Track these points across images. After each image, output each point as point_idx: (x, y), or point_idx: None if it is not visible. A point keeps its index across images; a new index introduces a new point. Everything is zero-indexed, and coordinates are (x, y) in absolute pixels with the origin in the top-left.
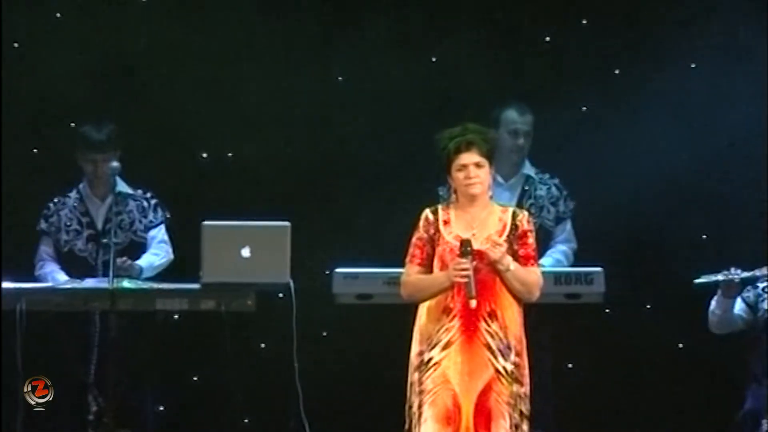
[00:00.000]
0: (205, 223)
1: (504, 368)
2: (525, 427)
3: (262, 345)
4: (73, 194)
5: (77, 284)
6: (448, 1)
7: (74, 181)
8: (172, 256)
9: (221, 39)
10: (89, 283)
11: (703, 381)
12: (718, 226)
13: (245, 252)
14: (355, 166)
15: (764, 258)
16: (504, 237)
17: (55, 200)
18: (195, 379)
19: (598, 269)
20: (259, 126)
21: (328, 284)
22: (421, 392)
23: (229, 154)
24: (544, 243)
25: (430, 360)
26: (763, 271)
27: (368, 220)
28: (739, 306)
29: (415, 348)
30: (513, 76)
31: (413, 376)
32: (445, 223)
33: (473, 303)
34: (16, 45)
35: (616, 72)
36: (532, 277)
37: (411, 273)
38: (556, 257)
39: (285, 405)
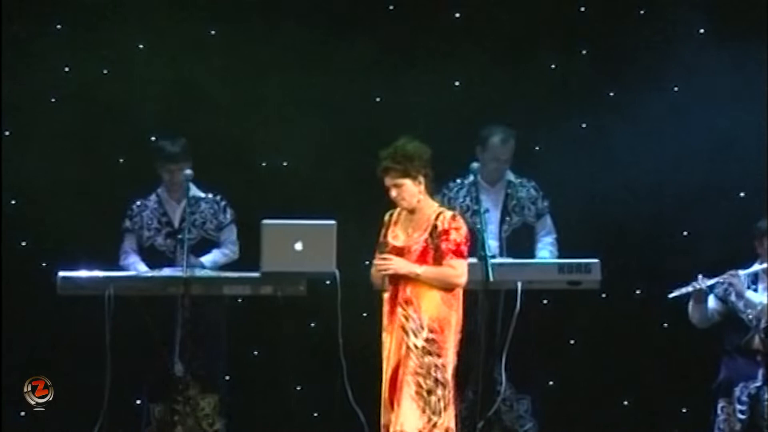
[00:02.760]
0: (265, 221)
1: (414, 344)
2: (439, 391)
3: (312, 324)
4: (153, 198)
5: (157, 273)
6: (473, 34)
7: (153, 186)
8: (236, 256)
9: (279, 65)
10: (167, 271)
11: (684, 354)
12: (700, 223)
13: (298, 246)
14: None
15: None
16: (425, 236)
17: (138, 203)
18: (255, 353)
19: (596, 260)
20: (311, 139)
21: (367, 273)
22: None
23: (284, 163)
24: (528, 235)
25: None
26: (725, 276)
27: None
28: (712, 302)
29: None
30: (525, 97)
31: None
32: (394, 223)
33: (385, 294)
34: (105, 72)
35: (611, 94)
36: (445, 272)
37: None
38: (549, 249)
39: (331, 375)
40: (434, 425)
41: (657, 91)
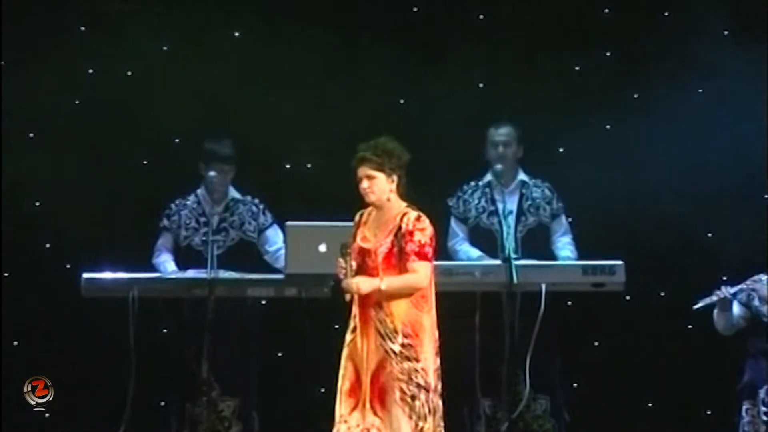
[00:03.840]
0: (289, 223)
1: (392, 349)
2: (422, 396)
3: (336, 326)
4: (192, 198)
5: (180, 274)
6: (497, 36)
7: (177, 188)
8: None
9: (302, 67)
10: (190, 273)
11: (708, 356)
12: (724, 225)
13: (322, 247)
14: (415, 177)
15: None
16: (391, 237)
17: (177, 201)
18: (279, 354)
19: (620, 262)
20: (333, 142)
21: None
22: (341, 368)
23: (308, 165)
24: (544, 235)
25: (348, 341)
26: (747, 282)
27: None
28: (736, 309)
29: None
30: (548, 99)
31: (342, 354)
32: (363, 224)
33: (347, 297)
34: (129, 74)
35: (635, 96)
36: (405, 280)
37: None
38: (570, 249)
39: None
40: (421, 430)
41: (681, 93)
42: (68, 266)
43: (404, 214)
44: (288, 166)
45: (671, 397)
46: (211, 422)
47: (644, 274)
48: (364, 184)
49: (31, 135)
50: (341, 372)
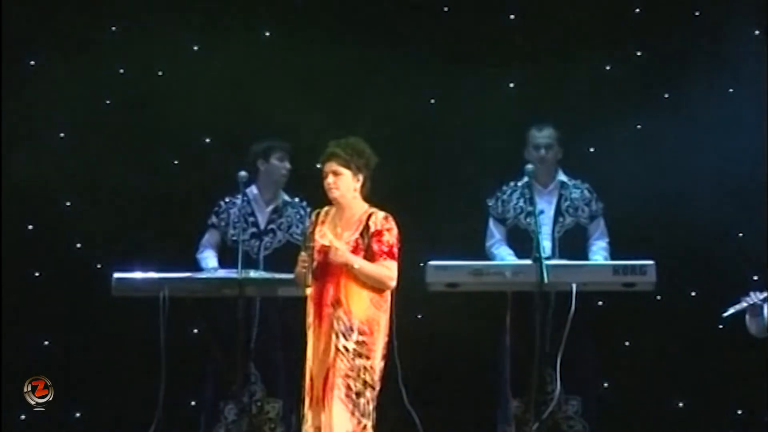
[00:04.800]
0: None
1: (345, 347)
2: (368, 394)
3: None
4: (242, 197)
5: (210, 274)
6: (528, 35)
7: (209, 188)
8: None
9: (333, 66)
10: (221, 273)
11: (739, 356)
12: (755, 224)
13: None
14: (446, 177)
15: None
16: (356, 235)
17: (226, 199)
18: None
19: (651, 262)
20: (366, 140)
21: (423, 274)
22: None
23: None
24: (581, 237)
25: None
26: None
27: (455, 221)
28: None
29: None
30: (579, 99)
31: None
32: (322, 222)
33: (308, 291)
34: (160, 74)
35: (666, 96)
36: (380, 270)
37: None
38: (603, 254)
39: (385, 376)
40: (364, 427)
41: (712, 93)
42: (99, 266)
43: (371, 214)
44: (319, 166)
45: (702, 397)
46: (258, 423)
47: (675, 273)
48: (330, 179)
49: (62, 135)
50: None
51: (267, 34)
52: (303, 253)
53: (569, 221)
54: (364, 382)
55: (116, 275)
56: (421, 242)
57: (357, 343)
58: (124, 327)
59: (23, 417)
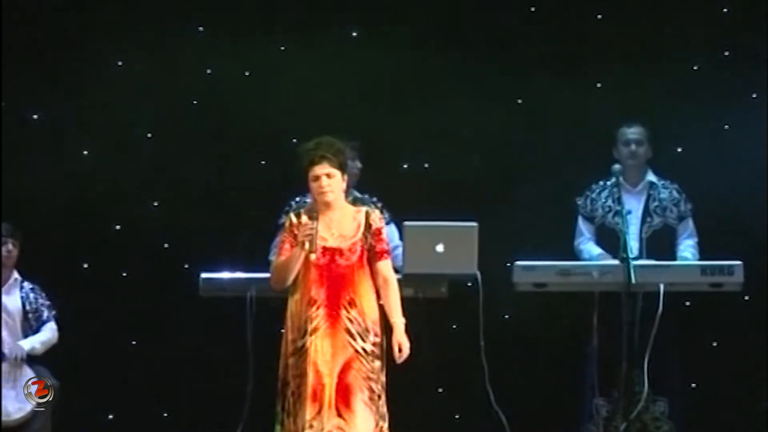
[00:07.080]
0: (407, 223)
1: (363, 348)
2: (383, 395)
3: (454, 326)
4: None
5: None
6: (615, 35)
7: (295, 188)
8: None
9: (418, 67)
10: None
11: None
12: None
13: (440, 248)
14: (531, 178)
15: None
16: (359, 236)
17: (297, 199)
18: None
19: (738, 262)
20: (452, 140)
21: (509, 274)
22: (300, 375)
23: (426, 165)
24: (669, 237)
25: (302, 346)
26: None
27: (541, 221)
28: None
29: (288, 336)
30: (667, 98)
31: (289, 361)
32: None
33: (312, 257)
34: (247, 74)
35: (753, 96)
36: (396, 291)
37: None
38: (691, 252)
39: (472, 377)
40: (381, 430)
41: None
42: (186, 266)
43: (368, 212)
44: (405, 166)
45: None
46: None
47: (763, 274)
48: (324, 182)
49: (149, 135)
50: (302, 378)
51: (354, 34)
52: (308, 221)
53: (657, 221)
54: (383, 385)
55: (203, 275)
56: (507, 242)
57: (374, 344)
58: (212, 327)
59: (111, 417)
